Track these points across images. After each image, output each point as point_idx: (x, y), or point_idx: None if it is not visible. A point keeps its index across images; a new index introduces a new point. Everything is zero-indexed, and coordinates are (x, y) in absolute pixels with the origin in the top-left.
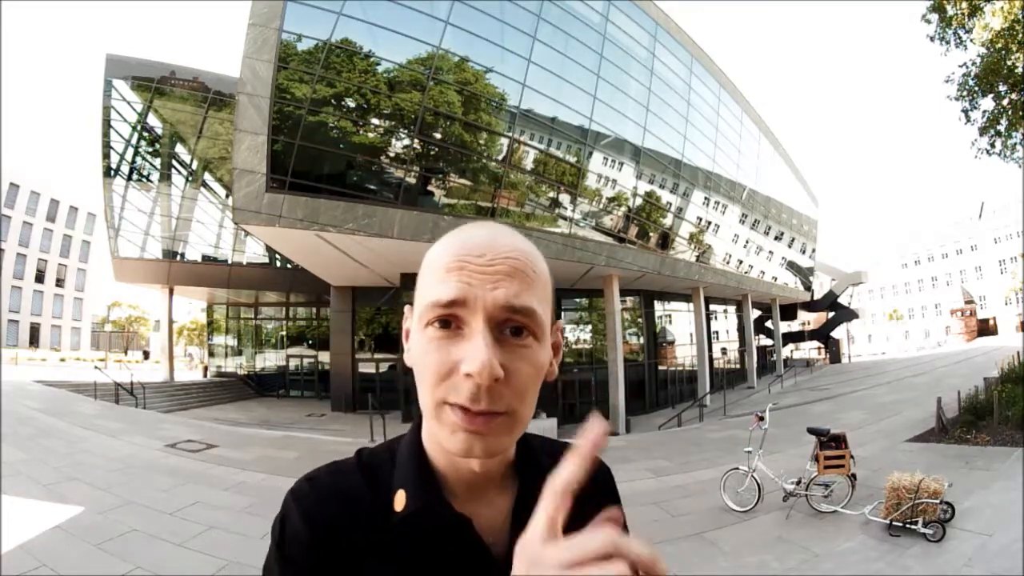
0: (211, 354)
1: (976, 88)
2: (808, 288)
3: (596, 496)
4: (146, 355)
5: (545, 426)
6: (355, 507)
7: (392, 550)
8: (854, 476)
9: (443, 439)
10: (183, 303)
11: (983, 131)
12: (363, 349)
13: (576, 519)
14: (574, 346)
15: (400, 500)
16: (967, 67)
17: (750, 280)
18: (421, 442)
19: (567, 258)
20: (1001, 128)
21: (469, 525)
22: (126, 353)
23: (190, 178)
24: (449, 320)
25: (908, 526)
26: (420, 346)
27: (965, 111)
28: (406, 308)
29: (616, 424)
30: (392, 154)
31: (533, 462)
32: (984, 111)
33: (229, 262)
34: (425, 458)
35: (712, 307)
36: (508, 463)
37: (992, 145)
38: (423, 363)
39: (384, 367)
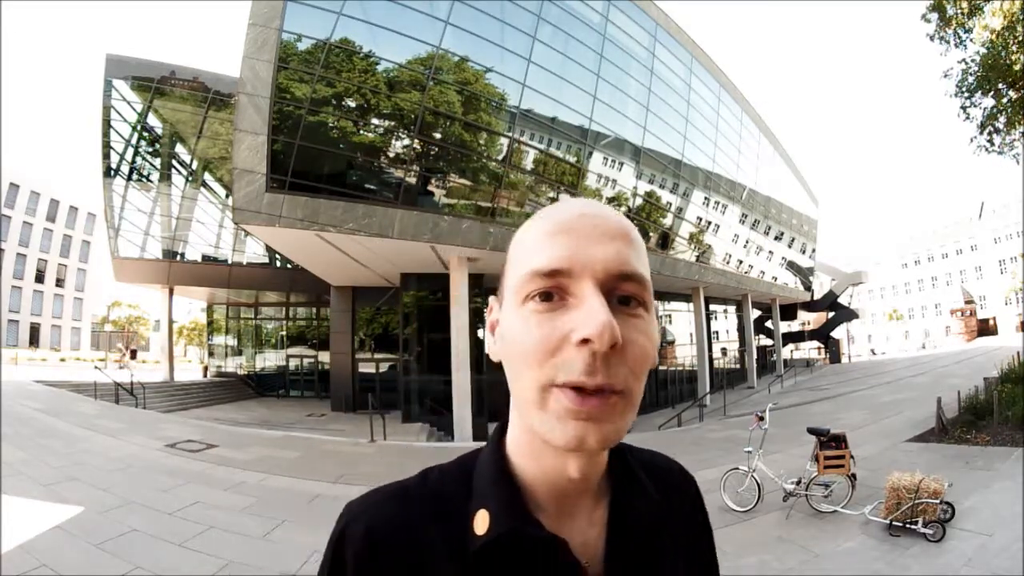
0: (211, 354)
1: (975, 86)
2: (808, 288)
3: (684, 505)
4: (133, 354)
5: None
6: (422, 536)
7: None
8: (854, 476)
9: (549, 432)
10: (183, 303)
11: (982, 127)
12: (363, 349)
13: (633, 523)
14: None
15: (482, 522)
16: (966, 63)
17: (750, 280)
18: (504, 454)
19: None
20: (1000, 125)
21: (564, 546)
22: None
23: (190, 178)
24: (552, 292)
25: (908, 526)
26: (517, 325)
27: (964, 107)
28: (491, 300)
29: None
30: (392, 154)
31: (627, 471)
32: (983, 108)
33: (229, 262)
34: (510, 472)
35: (712, 307)
36: (602, 471)
37: (991, 142)
38: (522, 342)
39: (384, 367)
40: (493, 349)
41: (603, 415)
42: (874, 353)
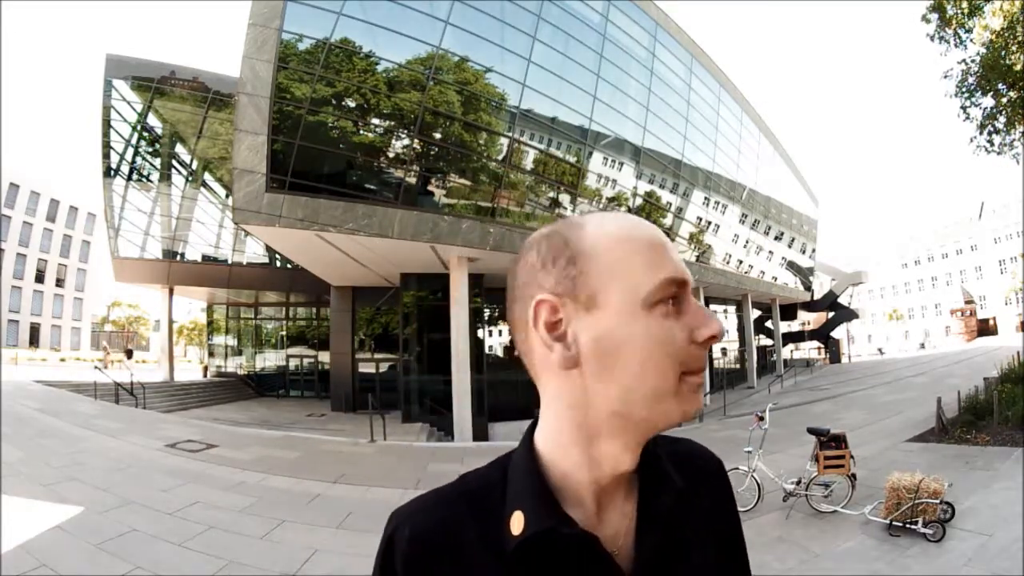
0: (211, 354)
1: (975, 86)
2: (808, 288)
3: (711, 492)
4: (129, 354)
5: None
6: (463, 538)
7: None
8: (854, 476)
9: (675, 412)
10: (183, 303)
11: (981, 127)
12: (363, 349)
13: (661, 514)
14: None
15: (517, 522)
16: (965, 63)
17: (750, 280)
18: (536, 454)
19: None
20: (999, 125)
21: (596, 542)
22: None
23: (190, 178)
24: (672, 298)
25: (908, 526)
26: (647, 327)
27: (964, 108)
28: (551, 299)
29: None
30: (392, 154)
31: (653, 460)
32: (983, 108)
33: (229, 262)
34: (542, 471)
35: (712, 307)
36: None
37: (990, 142)
38: (656, 342)
39: (384, 367)
40: (564, 356)
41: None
42: (881, 352)
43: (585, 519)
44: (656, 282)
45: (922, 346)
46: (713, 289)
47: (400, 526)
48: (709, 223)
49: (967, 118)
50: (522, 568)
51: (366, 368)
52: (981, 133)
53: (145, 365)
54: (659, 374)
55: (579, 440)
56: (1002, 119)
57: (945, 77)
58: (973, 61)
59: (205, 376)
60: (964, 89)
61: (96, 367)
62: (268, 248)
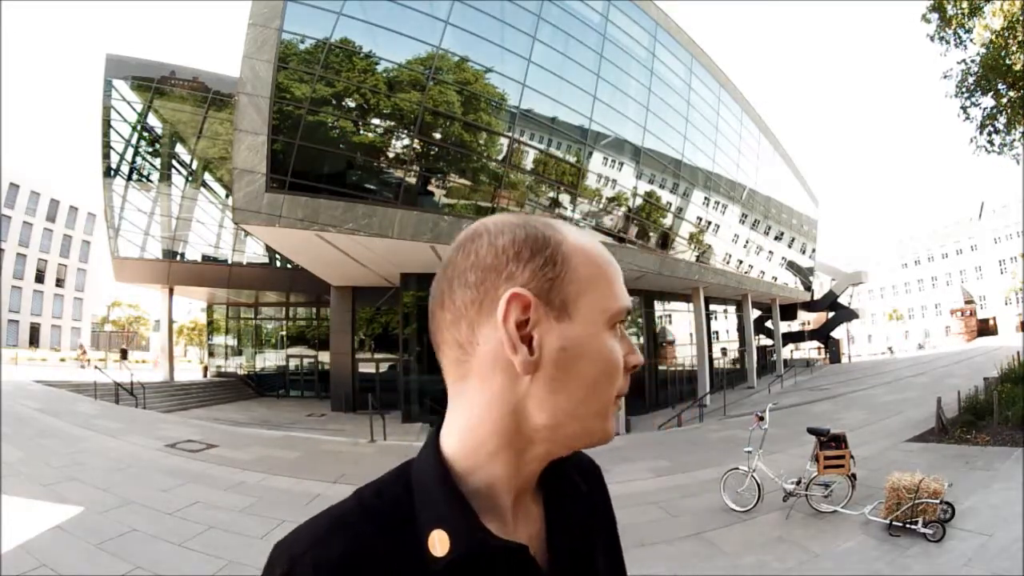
0: (211, 354)
1: (975, 86)
2: (808, 288)
3: (589, 495)
4: (124, 354)
5: None
6: (378, 567)
7: None
8: (854, 476)
9: (602, 432)
10: (183, 303)
11: (981, 127)
12: (363, 349)
13: (569, 518)
14: None
15: (440, 543)
16: (965, 63)
17: (750, 280)
18: (445, 464)
19: None
20: (1000, 125)
21: (526, 552)
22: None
23: (190, 178)
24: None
25: (908, 526)
26: (607, 346)
27: (964, 108)
28: (511, 295)
29: (616, 424)
30: (392, 154)
31: (555, 466)
32: (984, 108)
33: (229, 262)
34: (456, 483)
35: (712, 307)
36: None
37: (991, 142)
38: (611, 362)
39: (384, 367)
40: (528, 360)
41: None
42: (891, 352)
43: (503, 529)
44: (619, 306)
45: (920, 346)
46: (713, 289)
47: (297, 562)
48: (709, 223)
49: (967, 118)
50: None
51: (366, 368)
52: (981, 133)
53: (142, 365)
54: (605, 393)
55: (508, 448)
56: (1002, 119)
57: (945, 77)
58: (973, 61)
59: (205, 376)
60: (964, 89)
61: (81, 366)
62: (268, 248)
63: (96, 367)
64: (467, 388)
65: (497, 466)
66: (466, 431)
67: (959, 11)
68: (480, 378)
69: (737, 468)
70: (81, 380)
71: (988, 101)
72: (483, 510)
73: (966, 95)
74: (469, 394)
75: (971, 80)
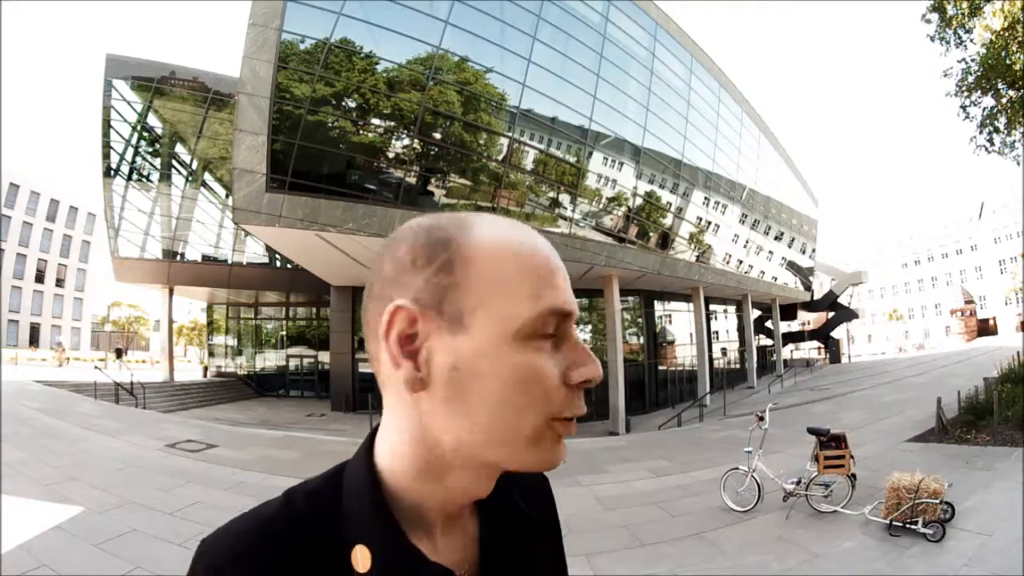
0: (211, 354)
1: (975, 85)
2: (808, 288)
3: (544, 510)
4: (119, 353)
5: None
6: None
7: None
8: (854, 476)
9: (538, 459)
10: (183, 303)
11: (981, 127)
12: (363, 349)
13: (506, 543)
14: None
15: (362, 559)
16: (965, 63)
17: (750, 280)
18: (376, 475)
19: (567, 258)
20: (1000, 125)
21: (446, 571)
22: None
23: (190, 178)
24: (555, 332)
25: (908, 526)
26: (519, 363)
27: (963, 107)
28: (406, 305)
29: (616, 424)
30: (392, 154)
31: (496, 487)
32: (983, 107)
33: (229, 262)
34: (384, 497)
35: (712, 307)
36: None
37: (990, 142)
38: (527, 380)
39: None
40: (413, 377)
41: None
42: (902, 351)
43: (431, 549)
44: (536, 311)
45: (917, 347)
46: (713, 289)
47: (213, 565)
48: (709, 223)
49: (967, 117)
50: None
51: (366, 368)
52: (981, 132)
53: (139, 365)
54: (519, 416)
55: (428, 472)
56: (1003, 119)
57: (945, 75)
58: (973, 60)
59: (205, 376)
60: (964, 88)
61: (59, 365)
62: (268, 248)
63: (96, 366)
64: (387, 402)
65: (423, 488)
66: (388, 446)
67: (959, 11)
68: (385, 396)
69: (737, 468)
70: (81, 380)
71: (988, 101)
72: (412, 528)
73: (966, 94)
74: (388, 408)
75: (971, 79)
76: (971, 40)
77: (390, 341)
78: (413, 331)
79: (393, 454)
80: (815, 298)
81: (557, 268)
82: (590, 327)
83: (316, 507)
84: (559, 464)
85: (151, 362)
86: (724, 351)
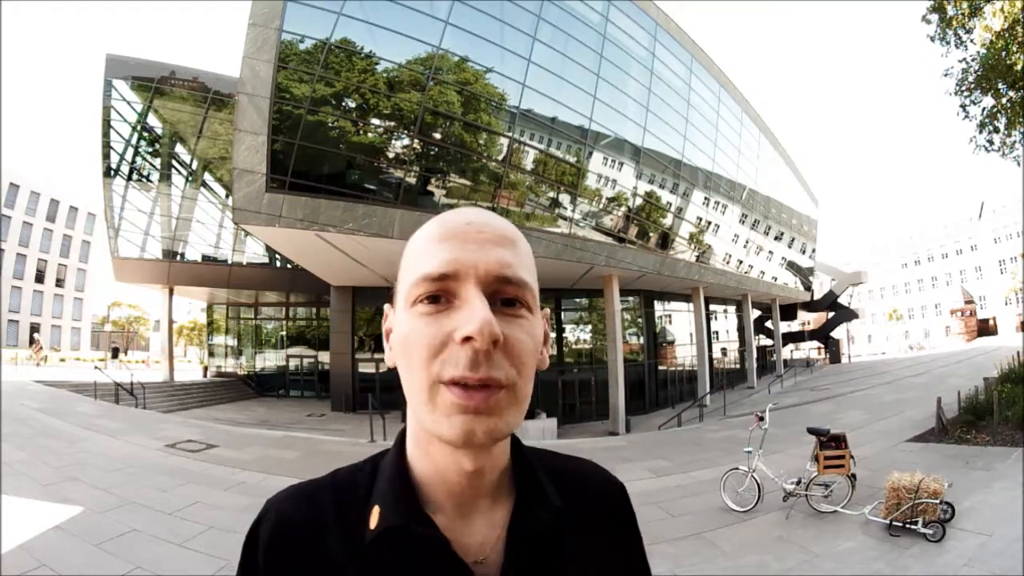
0: (211, 354)
1: (975, 85)
2: (808, 288)
3: (612, 519)
4: (115, 353)
5: (545, 426)
6: (324, 529)
7: (362, 571)
8: (854, 476)
9: (440, 428)
10: (183, 303)
11: (981, 127)
12: (363, 349)
13: (592, 542)
14: (574, 346)
15: (375, 517)
16: (966, 63)
17: (750, 280)
18: (404, 454)
19: (567, 258)
20: (1000, 125)
21: (447, 545)
22: (126, 352)
23: (190, 178)
24: (439, 295)
25: (908, 526)
26: (405, 327)
27: (963, 107)
28: (386, 308)
29: (616, 424)
30: (392, 154)
31: (530, 473)
32: (983, 107)
33: (229, 262)
34: (407, 470)
35: (712, 307)
36: (503, 471)
37: (990, 142)
38: (411, 342)
39: (384, 367)
40: (389, 355)
41: (488, 409)
42: (912, 349)
43: (447, 524)
44: (411, 279)
45: (911, 348)
46: (713, 289)
47: (267, 513)
48: (709, 223)
49: (966, 117)
50: (376, 562)
51: (366, 368)
52: (981, 132)
53: (136, 366)
54: (418, 376)
55: (420, 447)
56: (1003, 120)
57: (946, 75)
58: (974, 60)
59: (205, 376)
60: (964, 87)
61: (36, 364)
62: (268, 248)
63: (96, 366)
64: None
65: (428, 458)
66: (408, 427)
67: (959, 12)
68: None
69: (737, 468)
70: (81, 380)
71: (988, 101)
72: (429, 502)
73: (966, 93)
74: None
75: (971, 79)
76: (971, 40)
77: (383, 333)
78: (391, 323)
79: (409, 433)
80: (815, 298)
81: (446, 234)
82: (590, 327)
83: (352, 476)
84: (466, 444)
85: (149, 362)
86: (724, 351)
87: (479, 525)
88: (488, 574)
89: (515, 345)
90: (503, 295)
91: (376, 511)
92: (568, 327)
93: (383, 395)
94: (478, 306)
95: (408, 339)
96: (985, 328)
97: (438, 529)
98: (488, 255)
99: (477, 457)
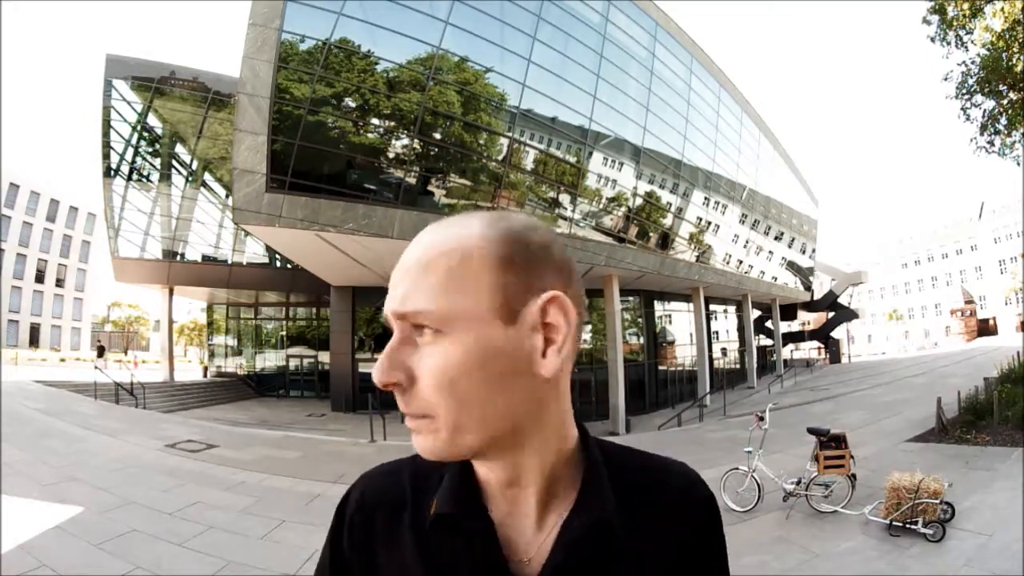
0: (211, 354)
1: (975, 87)
2: (808, 288)
3: (688, 530)
4: (101, 351)
5: None
6: (397, 508)
7: (421, 551)
8: (854, 476)
9: None
10: (183, 303)
11: (982, 129)
12: (363, 349)
13: (658, 554)
14: None
15: (436, 504)
16: (965, 65)
17: (750, 280)
18: None
19: None
20: (1000, 127)
21: (492, 539)
22: (126, 353)
23: (190, 178)
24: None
25: (908, 526)
26: None
27: (964, 109)
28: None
29: (616, 424)
30: (392, 154)
31: (596, 476)
32: (984, 109)
33: (229, 262)
34: (469, 465)
35: (712, 307)
36: (563, 473)
37: (991, 143)
38: None
39: None
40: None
41: (421, 432)
42: (926, 348)
43: (501, 519)
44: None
45: (905, 348)
46: (713, 289)
47: (357, 486)
48: (709, 223)
49: (967, 119)
50: (431, 546)
51: (366, 368)
52: (982, 134)
53: (124, 365)
54: None
55: None
56: (1003, 121)
57: (945, 79)
58: (974, 63)
59: (205, 376)
60: (964, 90)
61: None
62: (268, 248)
63: (96, 366)
64: None
65: (494, 470)
66: None
67: (960, 12)
68: None
69: (737, 468)
70: (81, 380)
71: (989, 103)
72: (490, 497)
73: (967, 96)
74: None
75: (971, 81)
76: (972, 41)
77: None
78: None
79: None
80: (815, 298)
81: (396, 270)
82: (590, 327)
83: (430, 465)
84: (425, 455)
85: (133, 362)
86: (724, 351)
87: (529, 524)
88: (530, 573)
89: (426, 377)
90: (413, 323)
91: (439, 497)
92: None
93: (383, 395)
94: (385, 353)
95: None
96: (985, 328)
97: (487, 523)
98: (393, 293)
99: (504, 467)
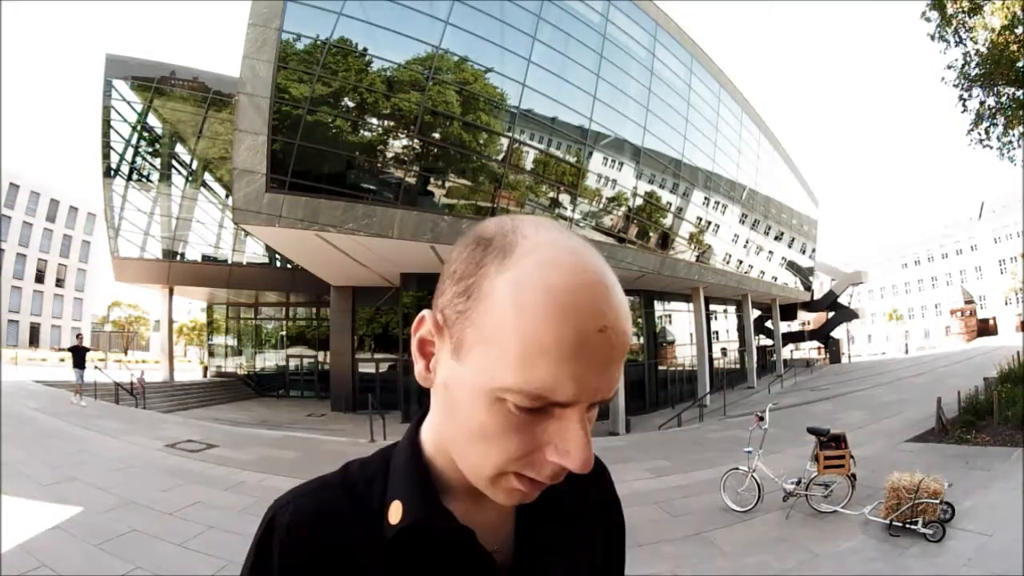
0: (211, 354)
1: (975, 81)
2: (808, 288)
3: (599, 495)
4: (79, 356)
5: None
6: (339, 525)
7: (386, 566)
8: (854, 476)
9: (492, 495)
10: (183, 303)
11: (977, 119)
12: (363, 349)
13: (575, 517)
14: None
15: (396, 512)
16: (968, 55)
17: (750, 280)
18: (419, 447)
19: None
20: (998, 123)
21: (472, 536)
22: (126, 353)
23: (190, 178)
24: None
25: (908, 526)
26: (483, 414)
27: (962, 99)
28: (425, 314)
29: (616, 424)
30: (391, 154)
31: None
32: (981, 101)
33: (229, 262)
34: (423, 465)
35: (712, 307)
36: None
37: (987, 133)
38: (491, 436)
39: (384, 367)
40: (425, 377)
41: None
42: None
43: (464, 514)
44: (519, 386)
45: (905, 350)
46: (713, 289)
47: (280, 512)
48: (709, 223)
49: (964, 110)
50: (399, 558)
51: (366, 368)
52: (977, 127)
53: (97, 365)
54: (480, 457)
55: (448, 441)
56: (1001, 120)
57: (949, 68)
58: (977, 53)
59: (205, 376)
60: (964, 78)
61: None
62: (268, 248)
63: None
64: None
65: (448, 457)
66: (430, 421)
67: (959, 10)
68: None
69: (737, 468)
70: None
71: (990, 100)
72: (446, 494)
73: (966, 86)
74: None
75: (971, 67)
76: (971, 39)
77: (414, 338)
78: (432, 339)
79: (430, 427)
80: (815, 298)
81: (579, 348)
82: None
83: (366, 471)
84: (515, 504)
85: (138, 383)
86: (724, 351)
87: (491, 512)
88: (503, 562)
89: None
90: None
91: (396, 506)
92: None
93: (383, 395)
94: (580, 435)
95: (486, 429)
96: (985, 328)
97: (459, 522)
98: (610, 379)
99: None
